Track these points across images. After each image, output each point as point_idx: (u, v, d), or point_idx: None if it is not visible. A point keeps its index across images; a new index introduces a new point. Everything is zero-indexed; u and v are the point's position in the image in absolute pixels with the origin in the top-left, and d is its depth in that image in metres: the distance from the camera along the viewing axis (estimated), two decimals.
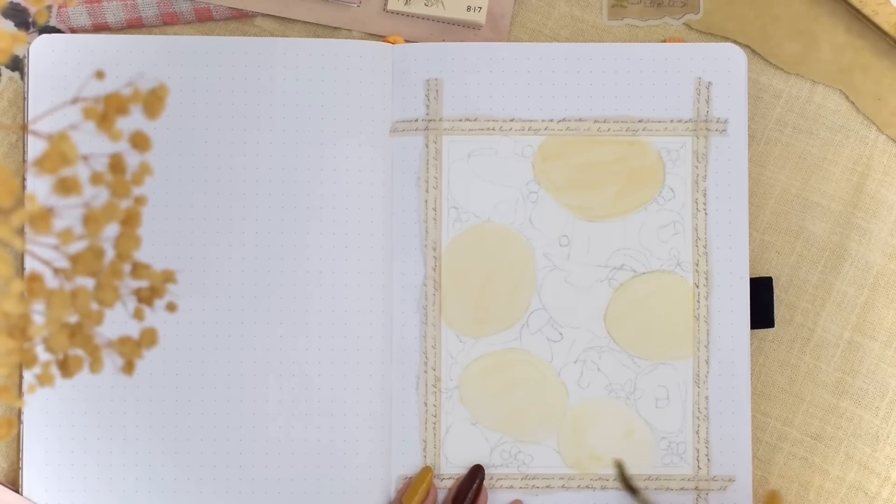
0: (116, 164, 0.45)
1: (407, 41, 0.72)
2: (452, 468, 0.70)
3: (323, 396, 0.70)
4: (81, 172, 0.43)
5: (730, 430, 0.70)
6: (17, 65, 0.72)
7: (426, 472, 0.69)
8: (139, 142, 0.45)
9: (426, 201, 0.71)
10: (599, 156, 0.71)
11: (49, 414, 0.69)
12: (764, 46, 0.72)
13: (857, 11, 0.71)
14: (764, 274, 0.72)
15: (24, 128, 0.68)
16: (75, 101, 0.44)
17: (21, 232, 0.43)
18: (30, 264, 0.69)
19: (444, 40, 0.72)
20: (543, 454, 0.70)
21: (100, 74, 0.46)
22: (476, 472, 0.69)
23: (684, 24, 0.73)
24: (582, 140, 0.71)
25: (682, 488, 0.70)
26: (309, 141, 0.70)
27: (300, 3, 0.72)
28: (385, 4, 0.72)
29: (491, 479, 0.70)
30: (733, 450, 0.70)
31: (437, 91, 0.71)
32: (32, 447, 0.69)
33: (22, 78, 0.71)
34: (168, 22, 0.72)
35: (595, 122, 0.71)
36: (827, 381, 0.71)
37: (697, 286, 0.71)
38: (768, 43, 0.72)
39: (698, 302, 0.70)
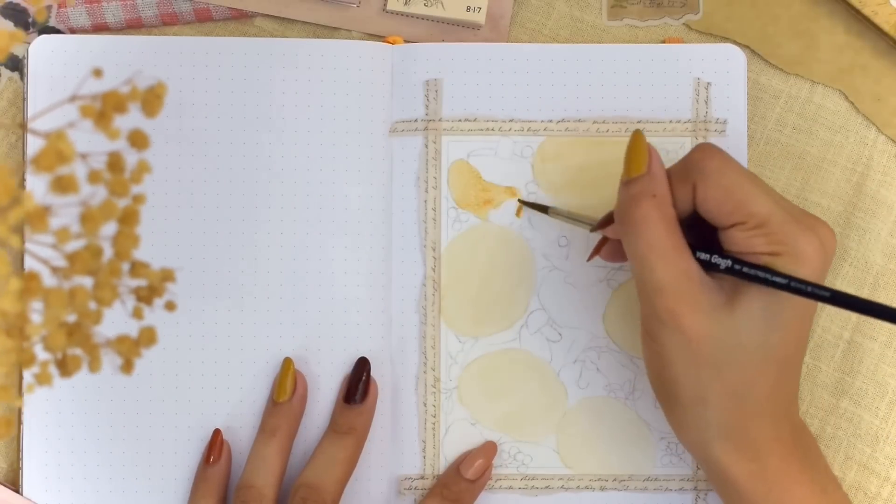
0: (114, 163, 0.45)
1: (406, 41, 0.72)
2: None
3: (322, 396, 0.70)
4: (79, 171, 0.43)
5: None
6: (17, 65, 0.72)
7: (287, 363, 0.68)
8: (137, 140, 0.45)
9: (425, 201, 0.71)
10: (599, 156, 0.71)
11: (49, 414, 0.69)
12: (764, 47, 0.72)
13: (857, 12, 0.71)
14: None
15: (22, 127, 0.68)
16: (73, 99, 0.44)
17: (19, 230, 0.42)
18: (28, 263, 0.69)
19: (443, 40, 0.72)
20: (543, 454, 0.70)
21: (97, 72, 0.46)
22: (363, 365, 0.68)
23: (684, 24, 0.72)
24: (581, 141, 0.71)
25: (681, 488, 0.70)
26: (308, 141, 0.70)
27: (300, 4, 0.72)
28: (384, 5, 0.72)
29: (490, 479, 0.70)
30: None
31: (436, 91, 0.71)
32: (32, 447, 0.69)
33: (21, 78, 0.71)
34: (167, 22, 0.72)
35: (594, 122, 0.71)
36: (827, 381, 0.71)
37: None
38: (768, 43, 0.72)
39: None
